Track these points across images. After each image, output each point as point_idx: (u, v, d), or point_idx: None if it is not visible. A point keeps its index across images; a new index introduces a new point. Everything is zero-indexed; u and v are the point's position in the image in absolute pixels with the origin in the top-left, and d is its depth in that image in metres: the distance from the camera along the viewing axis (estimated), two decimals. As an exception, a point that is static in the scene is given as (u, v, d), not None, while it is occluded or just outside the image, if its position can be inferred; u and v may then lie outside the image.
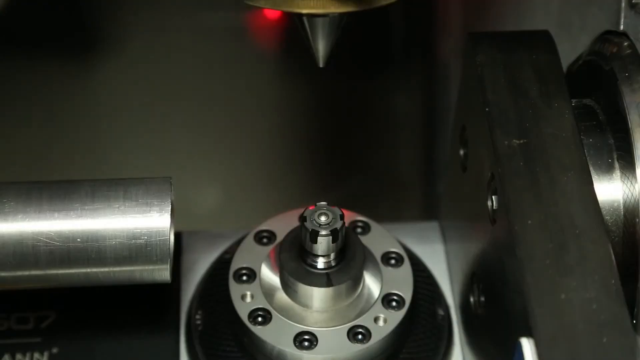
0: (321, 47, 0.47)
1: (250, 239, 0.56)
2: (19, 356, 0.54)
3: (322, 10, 0.44)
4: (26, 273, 0.46)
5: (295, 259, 0.53)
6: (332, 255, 0.52)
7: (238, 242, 0.57)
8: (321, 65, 0.48)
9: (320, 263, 0.52)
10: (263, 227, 0.57)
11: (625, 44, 0.50)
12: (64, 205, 0.46)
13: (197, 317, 0.56)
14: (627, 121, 0.48)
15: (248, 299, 0.53)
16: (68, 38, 0.82)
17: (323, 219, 0.51)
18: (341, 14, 0.45)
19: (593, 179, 0.46)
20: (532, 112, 0.48)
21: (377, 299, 0.54)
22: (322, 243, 0.51)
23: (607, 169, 0.49)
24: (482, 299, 0.51)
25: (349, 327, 0.52)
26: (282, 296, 0.53)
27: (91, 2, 0.82)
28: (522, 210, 0.44)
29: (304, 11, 0.44)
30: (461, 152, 0.54)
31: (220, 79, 0.80)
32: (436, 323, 0.56)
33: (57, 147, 0.85)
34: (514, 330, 0.43)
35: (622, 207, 0.48)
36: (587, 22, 0.54)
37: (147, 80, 0.86)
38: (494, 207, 0.46)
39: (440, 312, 0.57)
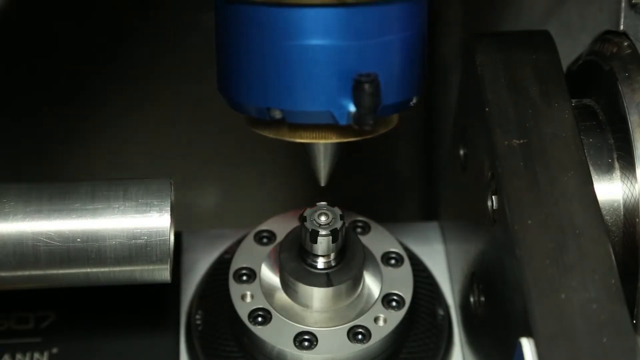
0: (322, 169, 0.50)
1: (250, 239, 0.56)
2: (19, 356, 0.54)
3: (323, 140, 0.47)
4: (26, 273, 0.46)
5: (295, 259, 0.53)
6: (332, 255, 0.52)
7: (238, 242, 0.57)
8: (322, 184, 0.50)
9: (320, 263, 0.52)
10: (263, 227, 0.57)
11: (625, 44, 0.50)
12: (64, 205, 0.46)
13: (197, 317, 0.56)
14: (627, 121, 0.48)
15: (248, 299, 0.53)
16: (71, 38, 0.82)
17: (323, 219, 0.51)
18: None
19: (593, 179, 0.46)
20: (532, 112, 0.48)
21: (377, 299, 0.54)
22: (322, 243, 0.51)
23: (607, 169, 0.49)
24: (482, 299, 0.51)
25: (349, 327, 0.52)
26: (282, 296, 0.53)
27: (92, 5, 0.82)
28: (522, 210, 0.44)
29: (306, 141, 0.47)
30: (461, 152, 0.54)
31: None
32: (436, 323, 0.56)
33: (57, 147, 0.85)
34: (514, 330, 0.43)
35: (622, 207, 0.48)
36: (587, 22, 0.54)
37: (147, 80, 0.85)
38: (494, 207, 0.46)
39: (440, 312, 0.57)
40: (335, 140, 0.46)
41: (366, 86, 0.42)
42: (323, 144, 0.48)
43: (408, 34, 0.45)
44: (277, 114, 0.45)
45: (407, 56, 0.46)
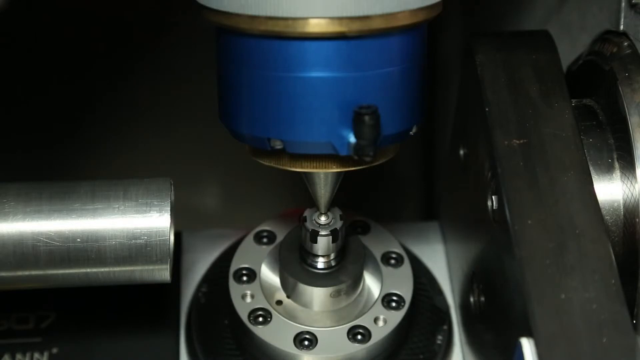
0: (322, 197, 0.50)
1: (250, 239, 0.56)
2: (19, 356, 0.54)
3: (324, 170, 0.47)
4: (26, 273, 0.46)
5: (295, 259, 0.53)
6: (332, 255, 0.52)
7: (238, 242, 0.57)
8: (323, 212, 0.51)
9: (320, 263, 0.52)
10: (263, 227, 0.57)
11: (625, 44, 0.50)
12: (64, 205, 0.46)
13: (197, 317, 0.56)
14: (627, 121, 0.48)
15: (248, 299, 0.53)
16: (73, 41, 0.82)
17: (323, 219, 0.51)
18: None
19: (593, 179, 0.46)
20: (532, 111, 0.48)
21: (377, 299, 0.54)
22: (322, 243, 0.51)
23: (607, 169, 0.49)
24: (482, 299, 0.51)
25: (349, 327, 0.52)
26: (282, 296, 0.53)
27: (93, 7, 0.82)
28: (522, 210, 0.44)
29: (307, 170, 0.47)
30: (461, 152, 0.54)
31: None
32: (436, 323, 0.56)
33: (57, 147, 0.85)
34: (514, 330, 0.43)
35: (622, 207, 0.48)
36: (587, 22, 0.54)
37: (147, 81, 0.86)
38: (494, 207, 0.46)
39: (440, 312, 0.57)
40: (335, 169, 0.47)
41: (366, 118, 0.43)
42: (323, 173, 0.49)
43: (408, 65, 0.46)
44: (278, 144, 0.45)
45: (407, 87, 0.46)
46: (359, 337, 0.52)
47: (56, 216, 0.46)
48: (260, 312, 0.53)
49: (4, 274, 0.46)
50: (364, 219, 0.57)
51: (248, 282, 0.54)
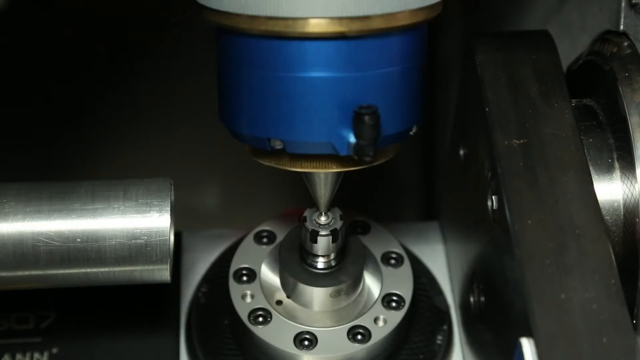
0: (322, 197, 0.50)
1: (250, 239, 0.56)
2: (19, 356, 0.54)
3: (324, 170, 0.47)
4: (26, 273, 0.46)
5: (295, 259, 0.53)
6: (332, 255, 0.52)
7: (238, 242, 0.57)
8: (323, 211, 0.51)
9: (320, 263, 0.52)
10: (263, 227, 0.57)
11: (625, 44, 0.50)
12: (64, 205, 0.46)
13: (197, 317, 0.56)
14: (627, 121, 0.48)
15: (248, 299, 0.53)
16: (73, 42, 0.82)
17: (323, 219, 0.51)
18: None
19: (593, 179, 0.46)
20: (532, 111, 0.48)
21: (377, 299, 0.54)
22: (322, 243, 0.51)
23: (607, 169, 0.49)
24: (482, 299, 0.51)
25: (349, 327, 0.52)
26: (282, 296, 0.53)
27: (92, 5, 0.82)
28: (522, 210, 0.44)
29: (307, 170, 0.47)
30: (461, 152, 0.54)
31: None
32: (436, 323, 0.56)
33: (57, 147, 0.85)
34: (514, 330, 0.43)
35: (622, 207, 0.48)
36: (587, 22, 0.54)
37: (147, 81, 0.86)
38: (494, 207, 0.46)
39: (440, 312, 0.57)
40: (335, 169, 0.47)
41: (366, 118, 0.43)
42: (323, 173, 0.49)
43: (408, 65, 0.45)
44: (278, 144, 0.45)
45: (407, 87, 0.46)
46: (359, 337, 0.52)
47: (56, 216, 0.46)
48: (260, 312, 0.53)
49: (4, 274, 0.46)
50: (364, 219, 0.57)
51: (248, 282, 0.54)
